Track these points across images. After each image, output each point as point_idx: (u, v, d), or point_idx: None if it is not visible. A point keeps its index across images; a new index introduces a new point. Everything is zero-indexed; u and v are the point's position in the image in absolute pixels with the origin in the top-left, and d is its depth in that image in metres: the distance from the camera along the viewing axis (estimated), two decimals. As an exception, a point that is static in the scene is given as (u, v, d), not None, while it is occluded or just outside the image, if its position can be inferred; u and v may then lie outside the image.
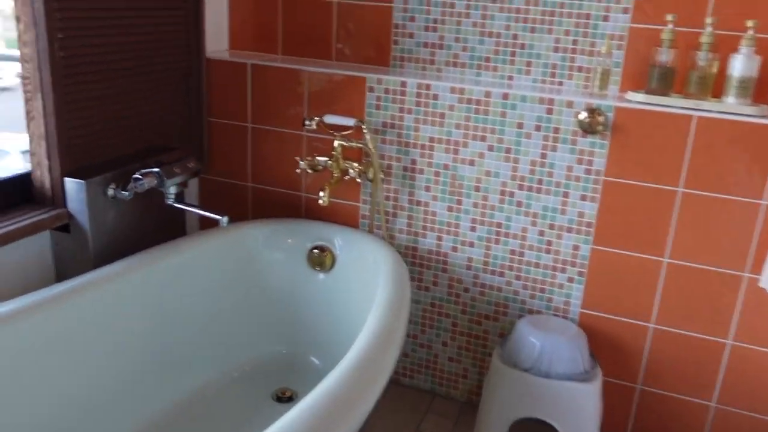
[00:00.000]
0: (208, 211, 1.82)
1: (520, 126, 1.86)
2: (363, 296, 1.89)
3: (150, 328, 1.78)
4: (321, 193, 1.92)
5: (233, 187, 2.23)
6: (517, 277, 2.00)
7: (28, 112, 1.65)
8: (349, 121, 1.94)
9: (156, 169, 1.75)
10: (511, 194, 1.93)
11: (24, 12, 1.57)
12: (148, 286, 1.77)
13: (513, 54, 1.96)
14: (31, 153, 1.69)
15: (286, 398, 1.94)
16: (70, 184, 1.68)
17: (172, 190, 1.82)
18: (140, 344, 1.76)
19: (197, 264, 1.91)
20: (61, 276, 1.78)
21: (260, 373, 2.02)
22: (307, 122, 1.99)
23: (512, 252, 1.98)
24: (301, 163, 1.99)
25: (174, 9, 1.96)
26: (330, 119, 1.97)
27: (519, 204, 1.93)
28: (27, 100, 1.64)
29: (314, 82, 2.02)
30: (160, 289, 1.81)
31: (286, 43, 2.18)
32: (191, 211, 1.87)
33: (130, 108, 1.86)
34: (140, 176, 1.72)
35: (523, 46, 1.94)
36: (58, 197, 1.70)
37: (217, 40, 2.17)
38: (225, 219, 1.80)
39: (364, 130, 1.94)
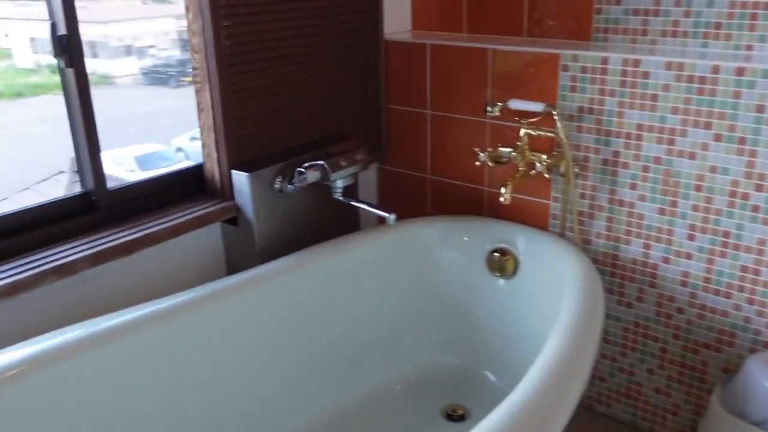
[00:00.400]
0: (375, 208, 1.68)
1: (760, 110, 1.45)
2: (548, 307, 1.64)
3: (313, 328, 1.69)
4: (502, 190, 1.67)
5: (412, 179, 2.07)
6: (750, 301, 1.58)
7: (198, 103, 1.63)
8: (537, 107, 1.66)
9: (320, 162, 1.64)
10: (745, 196, 1.52)
11: (192, 1, 1.53)
12: (314, 284, 1.68)
13: (753, 17, 1.52)
14: (202, 144, 1.67)
15: (457, 416, 1.74)
16: (237, 176, 1.63)
17: (339, 183, 1.70)
18: (302, 345, 1.67)
19: (366, 262, 1.78)
20: (231, 269, 1.76)
21: (429, 385, 1.84)
22: (488, 108, 1.75)
23: (743, 269, 1.57)
24: (481, 155, 1.76)
25: (350, -11, 1.83)
26: (515, 104, 1.71)
27: (755, 209, 1.51)
28: (197, 92, 1.61)
29: (499, 62, 1.77)
30: (326, 288, 1.71)
31: (472, 20, 1.94)
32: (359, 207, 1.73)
33: (301, 97, 1.77)
34: (303, 169, 1.62)
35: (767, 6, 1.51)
36: (227, 189, 1.66)
37: (397, 20, 2.00)
38: (392, 217, 1.63)
39: (555, 117, 1.65)
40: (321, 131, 1.86)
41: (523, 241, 1.79)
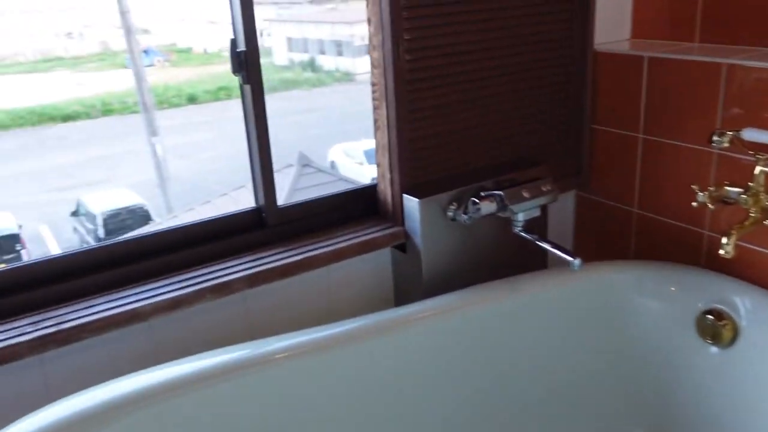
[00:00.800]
0: (558, 248, 1.46)
1: None
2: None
3: (479, 374, 1.52)
4: (724, 240, 1.34)
5: (616, 212, 1.78)
6: None
7: (375, 121, 1.54)
8: (781, 141, 1.31)
9: (498, 193, 1.46)
10: None
11: (373, 12, 1.44)
12: (485, 326, 1.51)
13: None
14: (377, 164, 1.58)
15: (642, 502, 1.47)
16: (408, 201, 1.52)
17: (520, 216, 1.50)
18: (465, 390, 1.51)
19: (546, 307, 1.56)
20: (399, 298, 1.65)
21: (610, 459, 1.57)
22: (715, 138, 1.42)
23: None
24: (700, 195, 1.43)
25: (555, -5, 1.60)
26: (751, 135, 1.36)
27: None
28: (374, 108, 1.53)
29: (735, 80, 1.43)
30: (497, 332, 1.52)
31: (708, 26, 1.60)
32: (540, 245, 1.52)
33: (486, 115, 1.60)
34: (477, 200, 1.46)
35: None
36: (398, 213, 1.56)
37: (615, 27, 1.73)
38: (576, 262, 1.41)
39: (806, 155, 1.28)
40: (508, 154, 1.67)
41: (748, 303, 1.44)
